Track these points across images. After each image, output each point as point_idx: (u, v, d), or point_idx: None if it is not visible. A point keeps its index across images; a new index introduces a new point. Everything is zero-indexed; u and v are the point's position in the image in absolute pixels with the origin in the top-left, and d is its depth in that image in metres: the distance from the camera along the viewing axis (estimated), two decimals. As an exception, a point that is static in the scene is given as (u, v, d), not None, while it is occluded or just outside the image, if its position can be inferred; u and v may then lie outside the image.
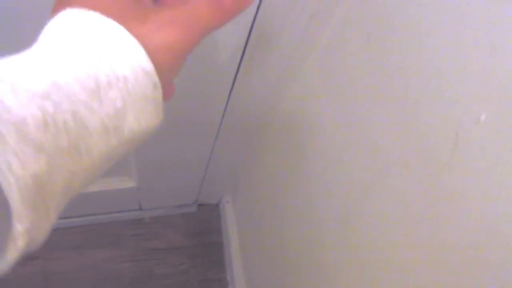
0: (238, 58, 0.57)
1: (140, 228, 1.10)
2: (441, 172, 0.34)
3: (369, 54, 0.44)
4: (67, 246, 1.05)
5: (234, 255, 1.03)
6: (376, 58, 0.43)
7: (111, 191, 0.93)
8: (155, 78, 0.23)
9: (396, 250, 0.42)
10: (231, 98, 0.67)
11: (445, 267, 0.35)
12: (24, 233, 0.18)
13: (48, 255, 1.03)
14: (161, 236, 1.09)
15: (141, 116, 0.23)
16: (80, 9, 0.23)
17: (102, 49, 0.22)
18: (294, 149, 0.69)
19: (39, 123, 0.19)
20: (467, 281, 0.33)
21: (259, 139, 0.84)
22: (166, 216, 1.11)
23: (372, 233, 0.46)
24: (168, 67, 0.24)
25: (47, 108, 0.19)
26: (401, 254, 0.41)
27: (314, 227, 0.62)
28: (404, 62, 0.39)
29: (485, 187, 0.30)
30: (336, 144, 0.54)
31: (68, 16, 0.23)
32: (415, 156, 0.38)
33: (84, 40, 0.22)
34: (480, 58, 0.30)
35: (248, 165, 0.94)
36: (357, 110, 0.48)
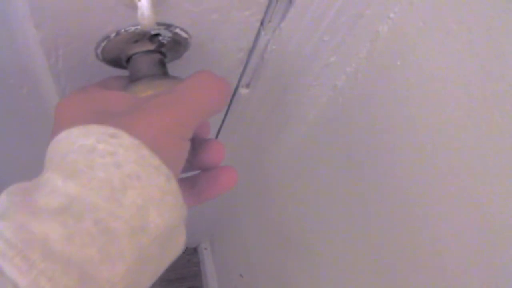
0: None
1: (116, 273, 1.06)
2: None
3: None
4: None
5: (213, 300, 1.02)
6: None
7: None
8: (166, 170, 0.23)
9: None
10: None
11: None
12: None
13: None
14: (138, 281, 1.06)
15: (163, 210, 0.22)
16: (71, 128, 0.23)
17: (105, 155, 0.22)
18: (273, 215, 0.67)
19: (62, 237, 0.19)
20: None
21: (238, 193, 0.81)
22: (143, 261, 1.08)
23: None
24: (174, 152, 0.24)
25: (67, 221, 0.19)
26: None
27: (298, 278, 0.60)
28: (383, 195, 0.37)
29: None
30: None
31: (64, 136, 0.24)
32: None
33: (85, 152, 0.22)
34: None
35: (228, 211, 0.92)
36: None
